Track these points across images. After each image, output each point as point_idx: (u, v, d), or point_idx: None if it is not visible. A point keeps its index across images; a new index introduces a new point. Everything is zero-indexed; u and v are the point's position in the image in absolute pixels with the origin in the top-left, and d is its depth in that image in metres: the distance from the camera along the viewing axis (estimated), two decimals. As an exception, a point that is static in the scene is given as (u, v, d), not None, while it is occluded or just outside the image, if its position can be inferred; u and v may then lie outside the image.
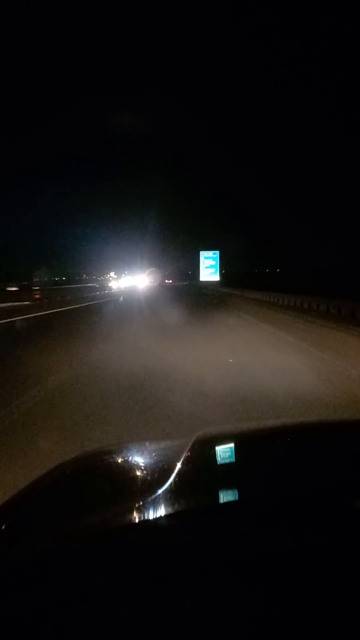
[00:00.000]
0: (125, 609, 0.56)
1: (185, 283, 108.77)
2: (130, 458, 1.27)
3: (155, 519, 0.74)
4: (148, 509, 0.79)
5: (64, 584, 0.59)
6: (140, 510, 0.79)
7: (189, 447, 1.10)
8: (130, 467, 1.20)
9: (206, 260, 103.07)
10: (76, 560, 0.64)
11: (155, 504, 0.80)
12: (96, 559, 0.63)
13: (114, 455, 1.29)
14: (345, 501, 0.77)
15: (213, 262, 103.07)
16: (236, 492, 0.93)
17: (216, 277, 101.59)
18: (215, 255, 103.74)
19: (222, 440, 1.36)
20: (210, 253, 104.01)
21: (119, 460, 1.25)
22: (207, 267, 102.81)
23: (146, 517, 0.76)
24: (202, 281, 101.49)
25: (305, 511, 0.72)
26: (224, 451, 1.25)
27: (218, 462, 1.15)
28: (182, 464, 1.01)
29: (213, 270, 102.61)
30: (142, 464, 1.19)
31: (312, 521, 0.69)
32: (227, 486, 0.95)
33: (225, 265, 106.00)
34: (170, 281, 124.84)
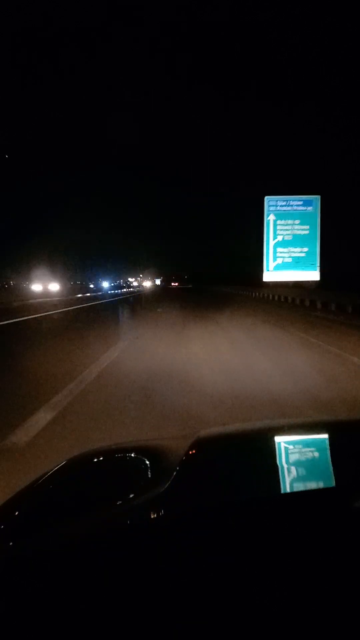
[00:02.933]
0: (126, 608, 0.57)
1: (189, 286, 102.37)
2: (130, 457, 1.26)
3: (156, 519, 0.76)
4: (148, 509, 0.80)
5: (65, 582, 0.61)
6: (140, 509, 0.81)
7: (189, 446, 1.12)
8: (130, 467, 1.19)
9: (280, 227, 34.99)
10: (77, 559, 0.66)
11: (155, 504, 0.81)
12: (96, 558, 0.65)
13: (114, 455, 1.31)
14: (345, 501, 0.77)
15: (304, 229, 34.54)
16: (236, 493, 0.92)
17: (313, 274, 35.01)
18: (310, 209, 34.79)
19: (223, 440, 1.36)
20: (293, 202, 35.24)
21: (120, 460, 1.26)
22: (281, 245, 34.72)
23: (146, 517, 0.78)
24: (270, 282, 35.03)
25: (305, 511, 0.73)
26: (225, 451, 1.25)
27: (218, 462, 1.15)
28: (183, 463, 1.01)
29: (303, 251, 34.20)
30: (142, 464, 1.17)
31: (312, 521, 0.70)
32: (227, 486, 0.95)
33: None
34: (177, 284, 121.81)
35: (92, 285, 76.61)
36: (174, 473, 0.93)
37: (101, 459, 1.25)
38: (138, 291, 67.97)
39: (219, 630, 0.52)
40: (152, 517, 0.78)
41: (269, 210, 35.20)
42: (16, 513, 0.91)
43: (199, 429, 1.39)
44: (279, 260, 35.14)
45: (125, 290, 73.56)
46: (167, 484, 0.86)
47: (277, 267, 35.17)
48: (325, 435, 1.36)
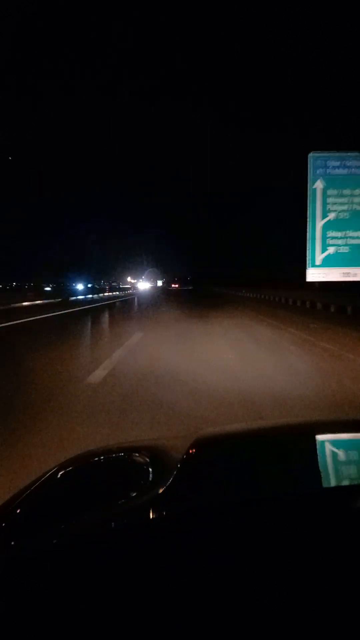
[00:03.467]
0: (126, 608, 0.57)
1: (189, 288, 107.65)
2: (130, 457, 1.25)
3: (156, 519, 0.77)
4: (148, 509, 0.80)
5: (65, 582, 0.61)
6: (140, 509, 0.81)
7: (189, 446, 1.11)
8: (130, 467, 1.18)
9: (332, 200, 22.49)
10: (77, 559, 0.66)
11: (155, 504, 0.81)
12: (96, 558, 0.65)
13: (114, 455, 1.30)
14: (345, 501, 0.78)
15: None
16: (236, 493, 0.91)
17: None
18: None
19: (222, 440, 1.35)
20: (351, 162, 22.43)
21: (119, 460, 1.25)
22: (334, 228, 22.11)
23: (146, 517, 0.78)
24: (316, 283, 22.67)
25: (305, 511, 0.73)
26: (224, 451, 1.24)
27: (218, 463, 1.14)
28: (183, 463, 1.01)
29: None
30: (142, 464, 1.16)
31: (313, 522, 0.70)
32: (227, 486, 0.94)
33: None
34: (177, 285, 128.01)
35: (48, 288, 57.88)
36: (174, 473, 0.93)
37: (101, 458, 1.25)
38: (124, 296, 53.64)
39: (219, 631, 0.52)
40: (152, 517, 0.78)
41: (315, 175, 22.97)
42: (16, 513, 0.89)
43: (199, 429, 1.43)
44: (331, 250, 22.98)
45: (106, 294, 57.13)
46: (167, 484, 0.87)
47: (328, 261, 23.02)
48: (325, 436, 1.35)
